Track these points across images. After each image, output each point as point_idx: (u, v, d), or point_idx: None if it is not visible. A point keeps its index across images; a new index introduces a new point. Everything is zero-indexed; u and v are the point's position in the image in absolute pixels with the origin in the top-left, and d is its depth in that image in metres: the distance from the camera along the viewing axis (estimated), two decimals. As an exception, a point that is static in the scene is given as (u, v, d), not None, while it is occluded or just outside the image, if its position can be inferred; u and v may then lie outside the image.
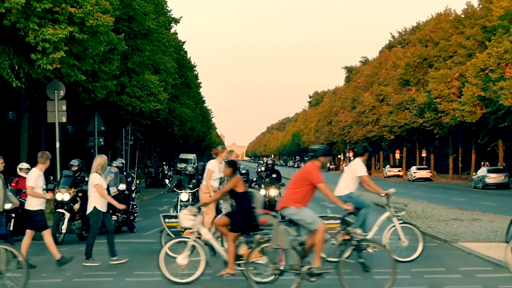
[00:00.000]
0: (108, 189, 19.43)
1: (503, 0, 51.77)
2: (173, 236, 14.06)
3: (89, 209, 14.06)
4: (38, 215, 13.63)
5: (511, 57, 48.38)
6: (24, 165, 19.73)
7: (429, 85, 68.19)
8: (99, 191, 13.89)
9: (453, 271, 11.69)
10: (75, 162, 18.80)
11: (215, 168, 15.43)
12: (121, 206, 14.91)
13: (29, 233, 13.90)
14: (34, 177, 13.63)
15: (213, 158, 15.97)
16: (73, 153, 44.42)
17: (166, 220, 14.56)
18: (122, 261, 13.89)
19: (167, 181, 25.24)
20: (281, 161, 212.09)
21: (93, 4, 25.58)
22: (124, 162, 23.93)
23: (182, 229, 13.79)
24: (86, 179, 18.44)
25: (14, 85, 25.59)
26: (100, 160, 14.38)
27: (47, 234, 13.59)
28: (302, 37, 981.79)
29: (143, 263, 14.02)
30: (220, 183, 15.10)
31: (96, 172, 14.16)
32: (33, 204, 13.62)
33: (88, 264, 13.73)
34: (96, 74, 33.11)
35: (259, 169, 26.61)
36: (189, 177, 19.85)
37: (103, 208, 13.98)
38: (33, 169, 13.97)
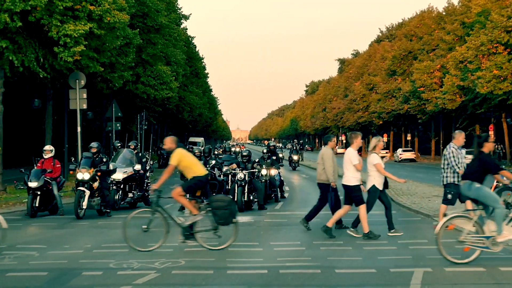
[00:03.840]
0: (112, 170, 19.28)
1: (480, -2, 51.48)
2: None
3: (368, 186, 13.61)
4: (356, 190, 13.28)
5: (487, 49, 48.16)
6: (47, 147, 19.67)
7: (413, 76, 68.06)
8: (379, 170, 13.48)
9: (435, 243, 11.63)
10: (94, 145, 18.62)
11: None
12: (402, 181, 14.26)
13: (346, 207, 13.54)
14: (354, 156, 13.30)
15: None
16: (92, 136, 44.41)
17: None
18: (399, 234, 13.46)
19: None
20: (281, 144, 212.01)
21: (110, 3, 25.42)
22: (136, 143, 23.81)
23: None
24: (104, 160, 18.36)
25: (41, 75, 25.52)
26: (374, 141, 13.98)
27: (362, 208, 13.27)
28: (299, 32, 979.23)
29: (156, 235, 13.94)
30: None
31: (373, 152, 13.77)
32: (352, 180, 13.33)
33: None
34: (114, 66, 33.00)
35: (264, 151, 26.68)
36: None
37: (380, 186, 13.56)
38: (349, 148, 13.53)
